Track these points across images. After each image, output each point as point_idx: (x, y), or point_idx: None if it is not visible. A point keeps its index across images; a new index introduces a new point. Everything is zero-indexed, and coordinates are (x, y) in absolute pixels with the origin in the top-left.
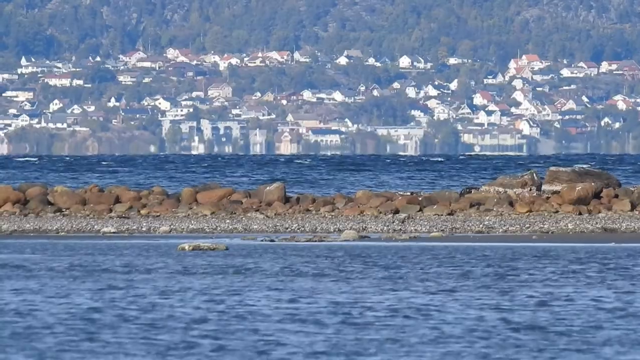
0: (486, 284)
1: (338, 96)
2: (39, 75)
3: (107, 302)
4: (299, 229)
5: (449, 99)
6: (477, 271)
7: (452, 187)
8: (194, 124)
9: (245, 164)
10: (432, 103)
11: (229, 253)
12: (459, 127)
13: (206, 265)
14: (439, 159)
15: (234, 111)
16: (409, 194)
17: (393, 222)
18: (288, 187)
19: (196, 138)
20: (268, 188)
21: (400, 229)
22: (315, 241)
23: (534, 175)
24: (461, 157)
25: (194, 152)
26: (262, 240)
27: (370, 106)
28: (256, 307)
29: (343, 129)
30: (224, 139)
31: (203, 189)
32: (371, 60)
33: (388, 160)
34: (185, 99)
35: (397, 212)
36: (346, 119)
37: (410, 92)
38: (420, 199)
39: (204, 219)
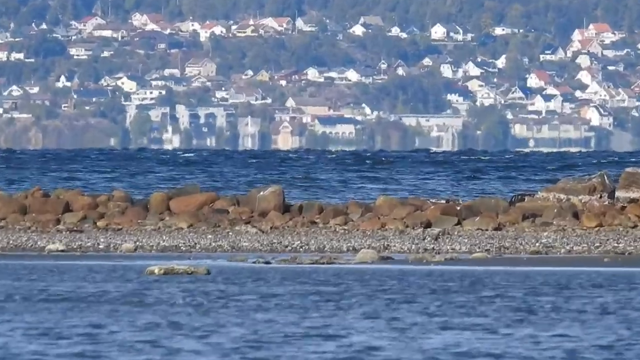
0: (552, 320)
1: (352, 75)
2: None
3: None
4: (301, 247)
5: (495, 80)
6: (535, 308)
7: (500, 194)
8: (167, 110)
9: (234, 161)
10: (473, 85)
11: (211, 278)
12: (509, 116)
13: (183, 294)
14: (483, 157)
15: (219, 94)
16: (443, 202)
17: (424, 238)
18: (288, 192)
19: (170, 128)
20: (262, 193)
21: (433, 248)
22: (323, 263)
23: (605, 178)
24: (511, 154)
25: (167, 147)
26: (254, 262)
27: (394, 88)
28: None
29: (359, 118)
30: (205, 130)
31: (178, 194)
32: (395, 30)
33: (417, 158)
34: (156, 79)
35: (428, 225)
36: (363, 105)
37: (446, 71)
38: (458, 208)
39: (179, 234)
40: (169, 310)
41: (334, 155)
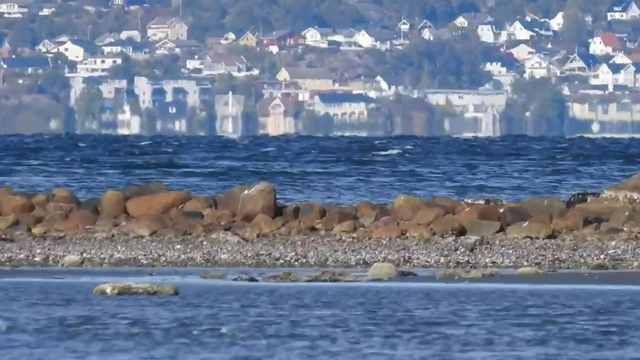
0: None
1: (364, 39)
2: None
3: None
4: (297, 260)
5: (548, 45)
6: (603, 340)
7: (555, 193)
8: (124, 84)
9: (210, 150)
10: (521, 52)
11: (180, 300)
12: (566, 92)
13: (139, 322)
14: (532, 144)
15: (191, 64)
16: (482, 202)
17: (456, 249)
18: (280, 191)
19: (127, 108)
20: (247, 192)
21: (469, 262)
22: (325, 281)
23: None
24: (568, 141)
25: (123, 132)
26: (236, 279)
27: (417, 57)
28: None
29: (372, 94)
30: (172, 110)
31: (138, 193)
32: None
33: (448, 146)
34: (110, 44)
35: (462, 232)
36: (378, 78)
37: (485, 33)
38: (501, 211)
39: (139, 243)
40: (119, 345)
41: (335, 143)
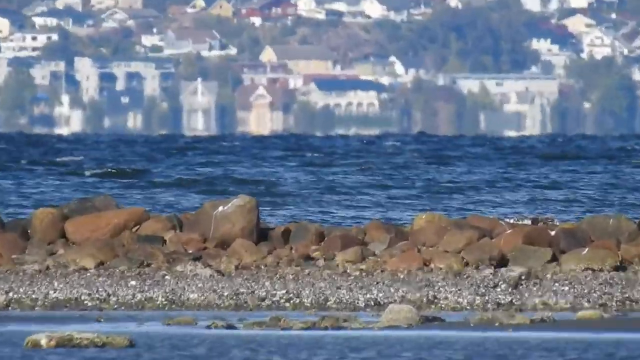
0: None
1: (373, 8)
2: None
3: None
4: (288, 300)
5: (612, 15)
6: None
7: (624, 210)
8: (61, 67)
9: (173, 154)
10: (577, 24)
11: (136, 355)
12: (637, 76)
13: None
14: (592, 146)
15: (148, 40)
16: (528, 222)
17: (495, 285)
18: (265, 208)
19: (65, 98)
20: (222, 209)
21: (512, 302)
22: (326, 328)
23: None
24: None
25: (60, 130)
26: (209, 327)
27: (442, 31)
28: None
29: (384, 80)
30: (125, 101)
31: (79, 210)
32: None
33: (480, 147)
34: (43, 14)
35: (503, 263)
36: (391, 59)
37: (530, 1)
38: (553, 234)
39: (82, 279)
40: None
41: (334, 143)
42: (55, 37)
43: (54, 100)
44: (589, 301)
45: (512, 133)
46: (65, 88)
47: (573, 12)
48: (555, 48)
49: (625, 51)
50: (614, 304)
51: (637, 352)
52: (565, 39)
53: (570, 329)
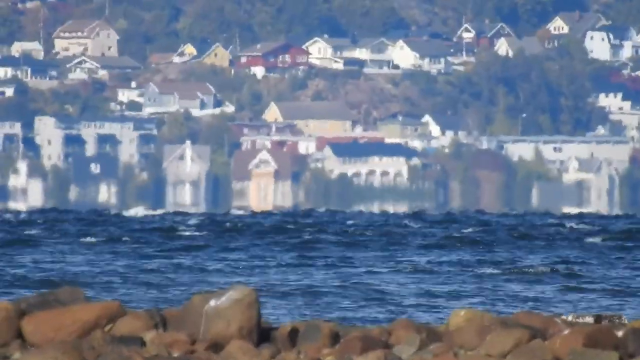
0: None
1: (402, 56)
2: None
3: None
4: None
5: None
6: None
7: None
8: (17, 128)
9: (151, 236)
10: None
11: None
12: None
13: None
14: None
15: (125, 95)
16: (590, 320)
17: None
18: (266, 299)
19: (22, 166)
20: (214, 303)
21: None
22: None
23: None
24: None
25: (17, 205)
26: None
27: (488, 82)
28: None
29: (416, 144)
30: (96, 169)
31: (40, 304)
32: None
33: (532, 228)
34: None
35: None
36: (425, 118)
37: (597, 45)
38: (620, 334)
39: None
40: None
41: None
42: (10, 91)
43: (7, 168)
44: None
45: (572, 209)
46: (23, 153)
47: None
48: (627, 105)
49: None
50: None
51: None
52: (636, 93)
53: None
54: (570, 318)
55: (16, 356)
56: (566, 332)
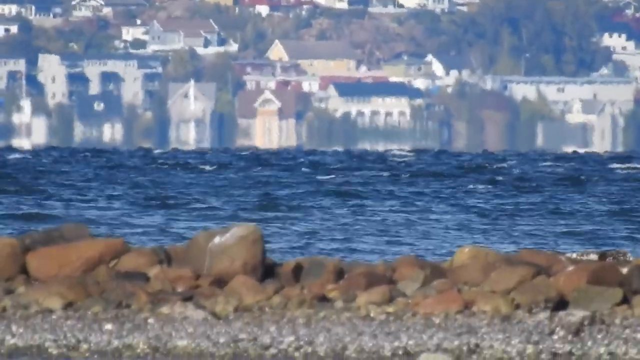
0: None
1: None
2: None
3: None
4: (299, 348)
5: None
6: None
7: None
8: (21, 65)
9: (156, 173)
10: None
11: None
12: None
13: None
14: None
15: (130, 33)
16: (594, 257)
17: (552, 332)
18: (271, 238)
19: (27, 103)
20: (218, 240)
21: (571, 353)
22: None
23: None
24: None
25: (22, 142)
26: None
27: (493, 22)
28: None
29: (420, 83)
30: (100, 107)
31: (44, 241)
32: None
33: (538, 167)
34: (0, 1)
35: (562, 305)
36: (429, 58)
37: None
38: (624, 271)
39: (47, 322)
40: None
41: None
42: (14, 29)
43: (11, 105)
44: None
45: (575, 149)
46: (26, 91)
47: None
48: (630, 45)
49: None
50: None
51: None
52: None
53: None
54: (574, 255)
55: (21, 290)
56: (570, 269)
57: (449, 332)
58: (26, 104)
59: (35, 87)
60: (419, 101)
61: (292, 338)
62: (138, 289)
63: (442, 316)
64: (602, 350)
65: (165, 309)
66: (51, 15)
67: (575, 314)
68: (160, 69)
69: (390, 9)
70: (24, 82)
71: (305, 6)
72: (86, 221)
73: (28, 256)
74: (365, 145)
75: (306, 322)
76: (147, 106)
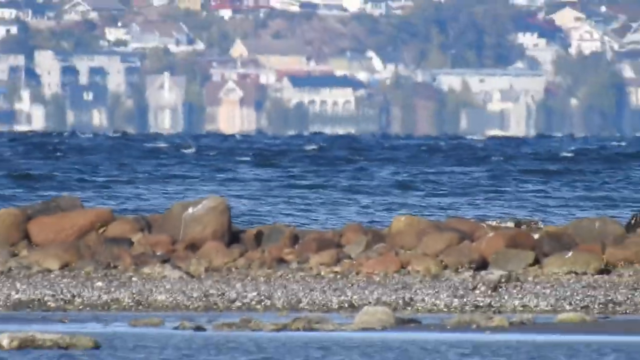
0: None
1: (350, 1)
2: None
3: None
4: (260, 302)
5: (602, 9)
6: None
7: (610, 212)
8: (20, 61)
9: (139, 154)
10: (565, 18)
11: (101, 357)
12: (627, 73)
13: None
14: (585, 146)
15: (113, 34)
16: (510, 225)
17: (475, 288)
18: (237, 209)
19: (25, 94)
20: (192, 210)
21: (491, 305)
22: (298, 330)
23: None
24: (631, 140)
25: (21, 127)
26: (177, 328)
27: (423, 24)
28: None
29: (361, 76)
30: (88, 97)
31: (43, 210)
32: None
33: (461, 148)
34: (1, 5)
35: (483, 266)
36: (369, 53)
37: None
38: (536, 237)
39: (46, 280)
40: None
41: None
42: (14, 29)
43: (12, 95)
44: (570, 304)
45: (494, 132)
46: (25, 83)
47: (562, 5)
48: (542, 42)
49: (616, 46)
50: (596, 306)
51: (618, 354)
52: (552, 33)
53: (550, 331)
54: (494, 223)
55: (23, 253)
56: (490, 235)
57: (388, 288)
58: (25, 93)
59: (33, 79)
60: (361, 91)
61: (254, 293)
62: (123, 252)
63: (382, 275)
64: (516, 302)
65: (146, 269)
66: (45, 18)
67: (495, 273)
68: (139, 64)
69: (336, 12)
70: (23, 74)
71: (262, 9)
72: None
73: (29, 224)
74: (315, 129)
75: (266, 280)
76: (128, 95)
